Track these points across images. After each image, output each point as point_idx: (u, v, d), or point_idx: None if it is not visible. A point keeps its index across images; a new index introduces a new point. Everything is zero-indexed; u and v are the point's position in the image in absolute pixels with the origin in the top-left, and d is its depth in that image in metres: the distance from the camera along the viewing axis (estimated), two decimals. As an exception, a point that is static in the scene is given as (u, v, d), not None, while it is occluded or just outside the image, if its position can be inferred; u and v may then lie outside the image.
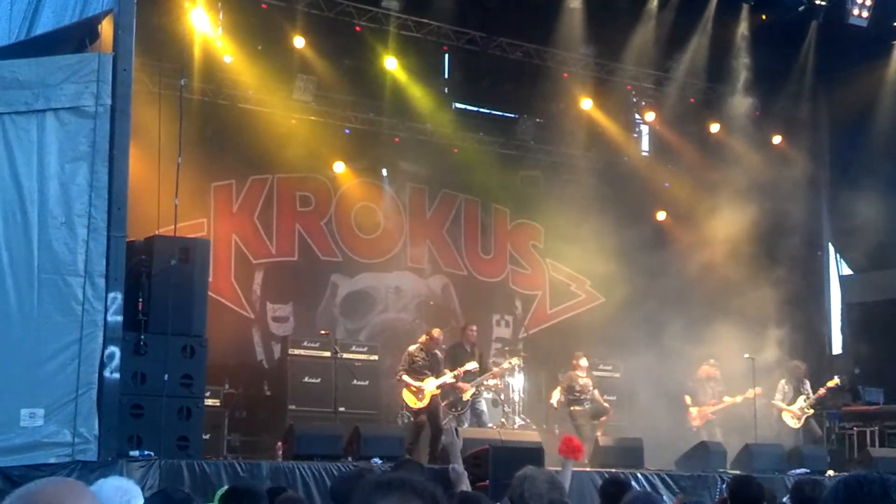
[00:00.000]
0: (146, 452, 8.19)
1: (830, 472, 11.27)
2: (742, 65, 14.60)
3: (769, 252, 15.05)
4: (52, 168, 8.00)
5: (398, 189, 14.95)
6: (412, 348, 11.86)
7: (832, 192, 15.97)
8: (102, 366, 7.89)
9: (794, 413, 13.26)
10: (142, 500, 3.62)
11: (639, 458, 11.14)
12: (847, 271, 16.60)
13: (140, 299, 8.64)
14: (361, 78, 13.99)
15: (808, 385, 13.40)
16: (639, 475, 10.08)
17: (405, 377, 11.62)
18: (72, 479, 2.63)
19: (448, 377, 11.75)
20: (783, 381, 13.47)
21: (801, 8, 13.22)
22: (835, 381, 13.50)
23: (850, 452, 13.54)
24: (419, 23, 13.66)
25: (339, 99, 14.02)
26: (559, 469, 7.57)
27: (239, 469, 8.47)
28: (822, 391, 13.30)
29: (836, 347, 16.39)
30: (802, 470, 11.13)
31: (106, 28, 8.59)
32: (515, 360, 12.74)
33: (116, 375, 7.99)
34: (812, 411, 13.34)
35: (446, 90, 14.93)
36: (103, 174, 8.03)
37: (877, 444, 13.55)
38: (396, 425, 11.81)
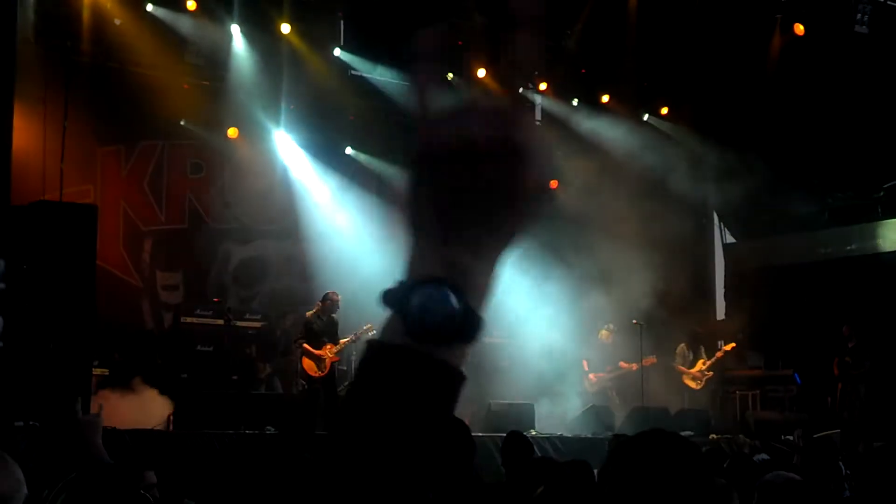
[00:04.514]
0: (31, 423, 8.03)
1: (714, 436, 11.77)
2: (629, 37, 14.88)
3: (657, 220, 15.42)
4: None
5: (293, 156, 14.79)
6: (309, 313, 11.76)
7: (717, 162, 16.47)
8: (-16, 335, 7.71)
9: (695, 375, 13.85)
10: None
11: (529, 421, 11.38)
12: (731, 239, 17.22)
13: (24, 266, 8.43)
14: (255, 43, 13.77)
15: (702, 349, 14.03)
16: (528, 439, 10.28)
17: (306, 345, 11.51)
18: None
19: (347, 340, 11.69)
20: (683, 346, 14.03)
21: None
22: (732, 344, 14.15)
23: (732, 415, 14.14)
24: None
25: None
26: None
27: (127, 438, 8.35)
28: (719, 353, 13.98)
29: (721, 313, 17.03)
30: (687, 432, 11.57)
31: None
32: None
33: (-1, 344, 7.82)
34: (711, 373, 13.93)
35: (341, 57, 14.80)
36: (-17, 138, 7.79)
37: (758, 406, 14.20)
38: (291, 393, 11.81)
